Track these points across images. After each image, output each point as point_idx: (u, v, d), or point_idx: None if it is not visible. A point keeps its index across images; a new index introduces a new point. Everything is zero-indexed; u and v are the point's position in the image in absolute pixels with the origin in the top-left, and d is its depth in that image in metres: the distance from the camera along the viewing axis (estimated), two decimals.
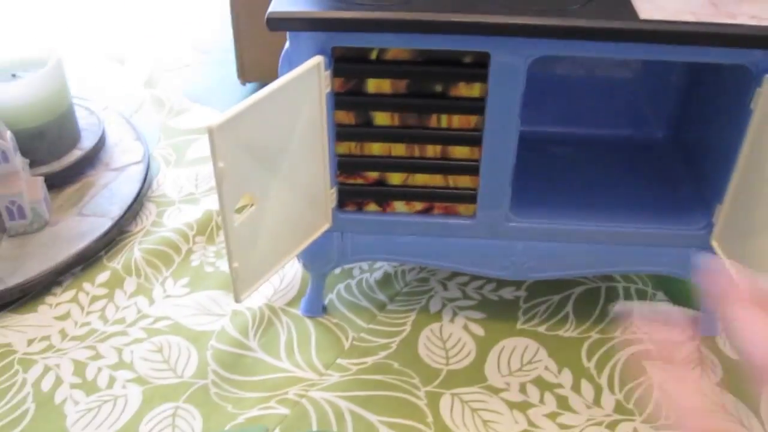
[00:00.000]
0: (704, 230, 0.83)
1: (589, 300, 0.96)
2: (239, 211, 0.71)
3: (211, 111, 1.31)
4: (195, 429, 0.81)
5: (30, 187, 0.99)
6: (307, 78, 0.72)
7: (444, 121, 0.78)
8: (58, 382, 0.86)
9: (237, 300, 0.75)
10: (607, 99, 1.00)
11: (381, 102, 0.78)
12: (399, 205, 0.84)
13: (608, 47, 0.72)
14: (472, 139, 0.79)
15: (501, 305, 0.95)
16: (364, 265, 1.00)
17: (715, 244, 0.83)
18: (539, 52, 0.73)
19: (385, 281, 0.98)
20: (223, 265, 1.00)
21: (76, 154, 1.10)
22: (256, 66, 1.29)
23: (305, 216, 0.80)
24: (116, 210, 1.04)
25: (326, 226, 0.84)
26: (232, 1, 1.22)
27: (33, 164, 1.05)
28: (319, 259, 0.88)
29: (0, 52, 1.08)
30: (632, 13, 0.71)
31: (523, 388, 0.85)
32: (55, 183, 1.07)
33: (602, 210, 0.86)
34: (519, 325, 0.93)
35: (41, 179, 1.02)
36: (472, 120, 0.78)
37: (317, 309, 0.93)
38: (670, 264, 0.86)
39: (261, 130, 0.70)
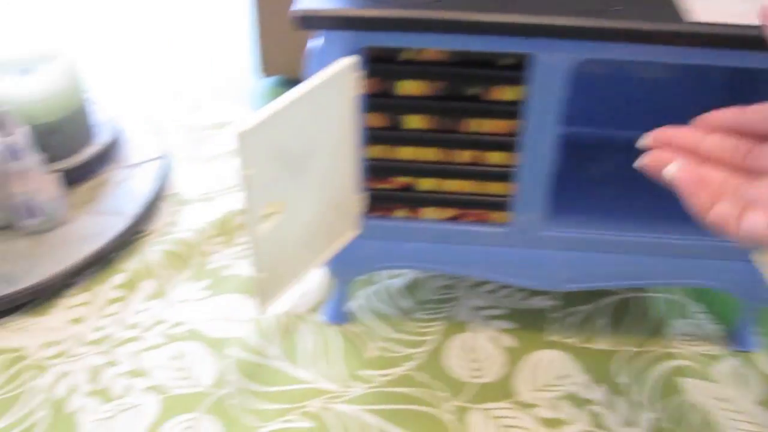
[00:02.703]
0: None
1: (624, 310, 0.92)
2: (265, 219, 0.68)
3: (230, 105, 1.28)
4: None
5: (44, 185, 0.96)
6: (339, 80, 0.69)
7: (478, 125, 0.75)
8: (73, 389, 0.83)
9: (261, 311, 0.72)
10: (654, 99, 0.95)
11: (413, 105, 0.74)
12: (429, 212, 0.81)
13: (656, 50, 0.68)
14: (508, 144, 0.75)
15: (531, 315, 0.91)
16: (390, 270, 0.96)
17: (755, 257, 0.79)
18: (584, 55, 0.69)
19: (411, 287, 0.95)
20: (242, 269, 0.97)
21: (91, 150, 1.06)
22: (277, 59, 1.26)
23: (332, 223, 0.77)
24: (132, 209, 1.01)
25: (354, 233, 0.80)
26: None
27: (48, 161, 1.01)
28: (345, 266, 0.85)
29: (11, 46, 1.04)
30: (679, 15, 0.67)
31: (554, 405, 0.82)
32: (70, 180, 1.03)
33: (643, 219, 0.82)
34: (550, 337, 0.89)
35: (56, 176, 0.98)
36: (507, 125, 0.74)
37: (341, 316, 0.90)
38: (712, 277, 0.82)
39: (290, 135, 0.66)
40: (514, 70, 0.71)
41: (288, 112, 0.64)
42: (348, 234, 0.80)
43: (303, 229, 0.73)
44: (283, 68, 1.27)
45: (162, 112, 1.26)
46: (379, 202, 0.80)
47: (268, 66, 1.26)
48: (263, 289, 0.71)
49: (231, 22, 1.53)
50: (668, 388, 0.83)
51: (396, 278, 0.96)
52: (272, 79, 1.31)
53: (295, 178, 0.69)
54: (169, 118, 1.24)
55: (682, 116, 0.95)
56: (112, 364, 0.86)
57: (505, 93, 0.72)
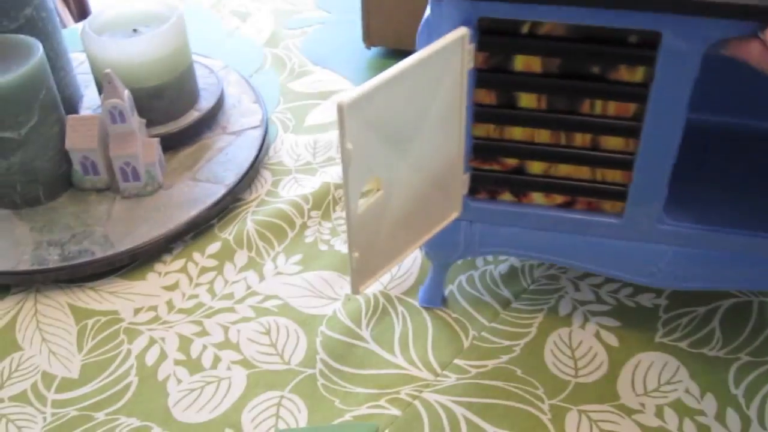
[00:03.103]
0: None
1: (740, 315, 0.85)
2: (363, 196, 0.64)
3: (333, 74, 1.25)
4: (300, 422, 0.76)
5: (145, 149, 0.96)
6: (450, 51, 0.64)
7: (598, 107, 0.69)
8: (163, 356, 0.83)
9: (354, 292, 0.69)
10: None
11: (528, 82, 0.69)
12: (537, 197, 0.76)
13: None
14: (629, 129, 0.69)
15: (638, 313, 0.86)
16: (489, 256, 0.92)
17: None
18: (719, 34, 0.62)
19: (511, 275, 0.90)
20: (338, 244, 0.94)
21: (193, 115, 1.05)
22: (382, 30, 1.22)
23: (434, 203, 0.73)
24: (231, 176, 0.99)
25: (455, 215, 0.76)
26: None
27: (149, 124, 1.01)
28: (443, 249, 0.81)
29: (122, 5, 1.03)
30: None
31: (659, 412, 0.76)
32: (171, 145, 1.03)
33: None
34: (658, 338, 0.83)
35: (157, 141, 0.98)
36: (630, 108, 0.68)
37: (436, 300, 0.86)
38: None
39: (394, 109, 0.62)
40: (642, 48, 0.65)
41: (393, 86, 0.60)
42: (450, 215, 0.76)
43: (403, 207, 0.69)
44: (388, 39, 1.23)
45: (266, 78, 1.24)
46: (485, 184, 0.76)
47: (372, 36, 1.23)
48: (357, 269, 0.68)
49: None
50: None
51: (496, 265, 0.91)
52: (376, 50, 1.27)
53: (397, 155, 0.66)
54: (272, 85, 1.22)
55: None
56: (202, 334, 0.85)
57: (630, 74, 0.67)
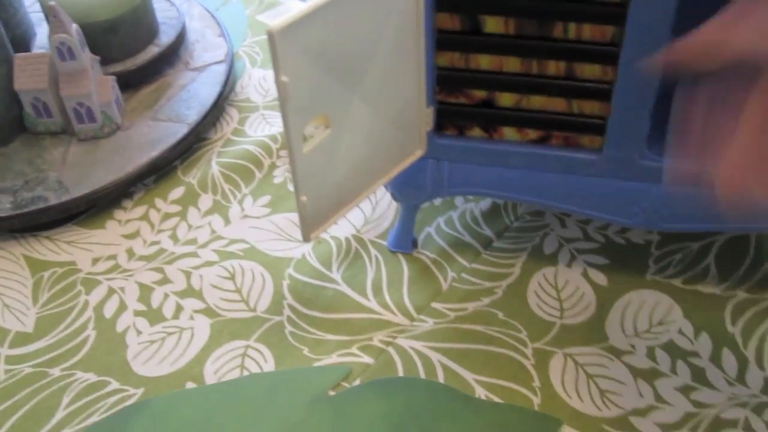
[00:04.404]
0: None
1: (737, 250, 0.80)
2: (309, 134, 0.58)
3: (303, 4, 1.17)
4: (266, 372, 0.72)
5: (100, 88, 0.89)
6: None
7: (572, 30, 0.62)
8: (122, 307, 0.78)
9: (305, 239, 0.63)
10: None
11: (494, 3, 0.62)
12: (509, 132, 0.69)
13: None
14: (607, 55, 0.63)
15: (628, 250, 0.80)
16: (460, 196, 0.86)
17: None
18: None
19: (493, 213, 0.84)
20: None
21: (152, 51, 0.98)
22: None
23: (394, 140, 0.67)
24: (194, 115, 0.93)
25: (419, 153, 0.70)
26: None
27: (104, 62, 0.94)
28: (410, 190, 0.75)
29: None
30: None
31: (651, 353, 0.71)
32: (129, 83, 0.96)
33: None
34: (649, 276, 0.78)
35: (113, 78, 0.91)
36: (608, 31, 0.62)
37: (406, 244, 0.81)
38: None
39: (339, 35, 0.56)
40: None
41: (333, 8, 0.54)
42: (413, 154, 0.70)
43: (357, 146, 0.63)
44: None
45: (233, 11, 1.17)
46: (452, 119, 0.70)
47: None
48: (307, 215, 0.62)
49: None
50: None
51: (477, 203, 0.86)
52: None
53: (346, 89, 0.59)
54: (240, 18, 1.15)
55: None
56: (163, 282, 0.80)
57: None
